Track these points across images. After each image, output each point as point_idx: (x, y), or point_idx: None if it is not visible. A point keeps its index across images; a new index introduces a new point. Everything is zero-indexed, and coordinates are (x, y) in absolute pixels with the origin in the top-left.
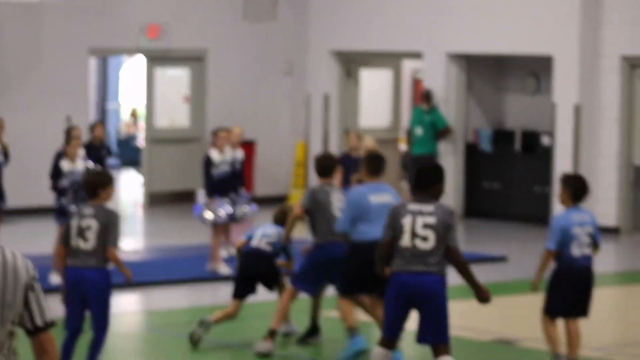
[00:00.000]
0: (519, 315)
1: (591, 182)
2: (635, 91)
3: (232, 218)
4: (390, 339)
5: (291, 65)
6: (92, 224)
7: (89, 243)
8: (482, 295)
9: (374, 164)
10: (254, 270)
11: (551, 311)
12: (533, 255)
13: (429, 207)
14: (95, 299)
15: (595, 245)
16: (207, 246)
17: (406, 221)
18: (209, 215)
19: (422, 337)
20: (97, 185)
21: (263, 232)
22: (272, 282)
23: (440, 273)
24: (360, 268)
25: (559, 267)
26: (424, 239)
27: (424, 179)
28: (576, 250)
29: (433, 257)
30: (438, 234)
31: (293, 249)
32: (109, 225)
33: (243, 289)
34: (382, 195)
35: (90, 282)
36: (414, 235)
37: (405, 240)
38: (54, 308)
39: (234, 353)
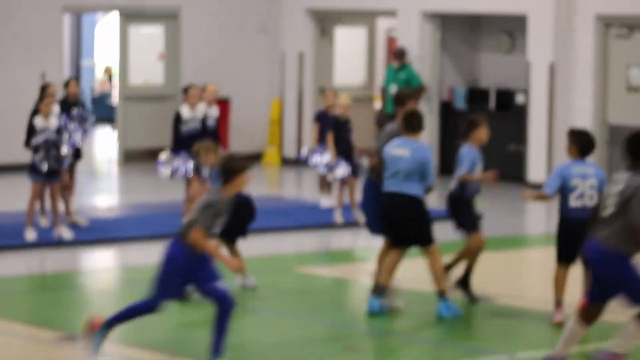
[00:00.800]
0: (494, 272)
1: (565, 141)
2: (609, 50)
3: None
4: (589, 302)
5: (264, 23)
6: None
7: None
8: None
9: (410, 122)
10: (250, 214)
11: (558, 260)
12: (507, 213)
13: (625, 176)
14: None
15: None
16: (181, 202)
17: (612, 189)
18: (166, 170)
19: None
20: (230, 171)
21: None
22: None
23: (611, 245)
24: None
25: (559, 218)
26: (608, 206)
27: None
28: (574, 202)
29: (610, 226)
30: (620, 202)
31: None
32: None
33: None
34: (402, 148)
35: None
36: (606, 202)
37: (603, 207)
38: (30, 263)
39: (210, 307)
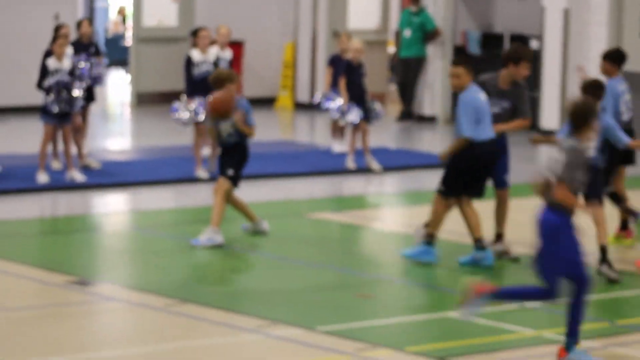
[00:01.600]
0: (509, 220)
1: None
2: None
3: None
4: None
5: None
6: None
7: None
8: None
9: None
10: (245, 157)
11: None
12: (522, 158)
13: None
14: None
15: None
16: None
17: None
18: (184, 114)
19: None
20: (588, 115)
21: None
22: None
23: None
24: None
25: None
26: None
27: None
28: None
29: None
30: None
31: None
32: None
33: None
34: (482, 93)
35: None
36: None
37: None
38: (42, 206)
39: (221, 253)
